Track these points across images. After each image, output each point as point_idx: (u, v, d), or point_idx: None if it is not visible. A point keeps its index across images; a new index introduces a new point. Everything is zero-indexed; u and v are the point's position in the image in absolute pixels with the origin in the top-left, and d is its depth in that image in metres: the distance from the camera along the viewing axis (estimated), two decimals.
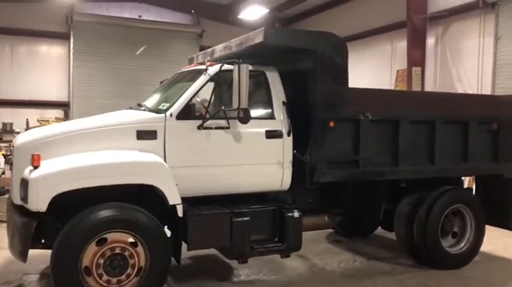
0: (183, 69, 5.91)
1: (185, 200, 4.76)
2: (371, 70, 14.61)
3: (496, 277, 5.87)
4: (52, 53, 16.96)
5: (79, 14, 16.59)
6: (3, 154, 9.49)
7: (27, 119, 15.07)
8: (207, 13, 17.79)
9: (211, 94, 4.86)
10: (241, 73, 4.58)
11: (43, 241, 4.53)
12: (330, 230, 7.73)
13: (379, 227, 7.14)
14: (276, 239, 5.19)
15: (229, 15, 16.80)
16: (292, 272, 5.88)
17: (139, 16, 17.63)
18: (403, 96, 5.90)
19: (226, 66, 4.88)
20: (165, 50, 17.29)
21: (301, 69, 5.43)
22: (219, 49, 5.85)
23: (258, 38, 4.93)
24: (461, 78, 11.76)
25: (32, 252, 4.55)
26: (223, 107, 4.84)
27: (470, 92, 11.04)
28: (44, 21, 16.28)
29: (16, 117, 15.41)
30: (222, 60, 5.17)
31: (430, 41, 12.67)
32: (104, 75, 16.69)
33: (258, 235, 5.09)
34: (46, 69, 16.70)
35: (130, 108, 5.52)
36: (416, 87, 12.38)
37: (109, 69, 16.69)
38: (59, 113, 16.56)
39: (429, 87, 12.48)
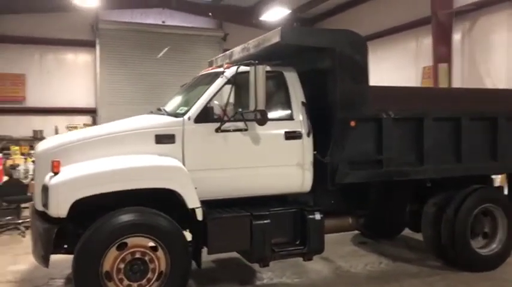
0: (202, 73, 5.90)
1: (205, 203, 4.74)
2: (396, 68, 14.36)
3: None
4: (79, 60, 17.31)
5: (104, 21, 16.90)
6: (33, 161, 9.70)
7: (55, 126, 15.43)
8: (230, 16, 17.84)
9: (228, 96, 4.82)
10: (258, 74, 4.53)
11: (65, 246, 4.60)
12: (356, 232, 7.59)
13: (406, 229, 6.97)
14: (297, 242, 5.11)
15: (251, 17, 16.79)
16: (316, 275, 5.79)
17: (163, 22, 17.80)
18: (427, 93, 5.72)
19: (242, 68, 4.84)
20: (190, 55, 17.40)
21: (321, 69, 5.34)
22: (237, 51, 5.82)
23: (275, 38, 4.87)
24: (490, 74, 11.39)
25: (57, 257, 4.64)
26: (240, 109, 4.80)
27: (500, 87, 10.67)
28: (70, 30, 16.64)
29: (46, 124, 15.81)
30: (240, 62, 5.14)
31: (456, 37, 12.32)
32: (129, 81, 16.94)
33: (279, 238, 5.01)
34: (74, 76, 17.05)
35: (151, 112, 5.54)
36: (443, 84, 12.05)
37: (134, 75, 16.92)
38: (87, 119, 16.87)
39: (456, 83, 12.13)
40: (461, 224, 5.67)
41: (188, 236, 4.75)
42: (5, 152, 11.81)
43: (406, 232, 7.17)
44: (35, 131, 15.33)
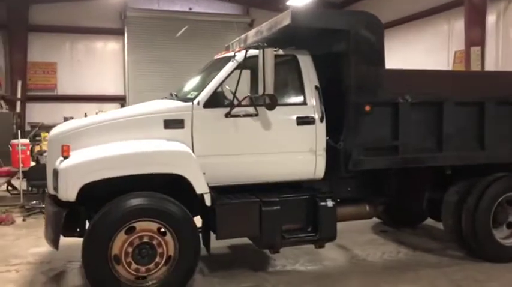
0: (216, 57, 5.84)
1: (215, 189, 4.72)
2: (427, 52, 13.92)
3: None
4: (108, 48, 17.60)
5: (132, 9, 17.09)
6: None
7: (85, 113, 15.74)
8: (256, 2, 17.70)
9: (238, 81, 4.74)
10: (266, 58, 4.43)
11: (78, 229, 4.67)
12: (377, 220, 7.44)
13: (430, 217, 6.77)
14: (309, 229, 5.02)
15: (278, 2, 16.57)
16: (330, 263, 5.69)
17: (190, 9, 17.86)
18: (448, 77, 5.46)
19: (251, 52, 4.74)
20: (216, 41, 17.28)
21: (335, 52, 5.20)
22: (251, 35, 5.72)
23: (286, 21, 4.74)
24: None
25: (76, 240, 4.70)
26: (249, 94, 4.71)
27: None
28: (99, 18, 16.94)
29: (76, 112, 16.17)
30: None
31: (491, 19, 11.81)
32: (157, 68, 17.10)
33: (289, 225, 4.94)
34: (103, 64, 17.37)
35: (165, 98, 5.54)
36: (475, 69, 11.60)
37: (162, 62, 17.06)
38: (116, 106, 17.18)
39: (490, 68, 11.66)
40: (483, 213, 5.44)
41: (198, 221, 4.75)
42: (37, 138, 12.19)
43: (429, 221, 6.96)
44: (65, 118, 15.63)
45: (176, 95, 5.24)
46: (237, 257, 5.97)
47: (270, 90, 4.47)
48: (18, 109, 15.81)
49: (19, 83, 15.96)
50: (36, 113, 16.12)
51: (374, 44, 4.97)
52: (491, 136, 5.42)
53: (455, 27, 13.02)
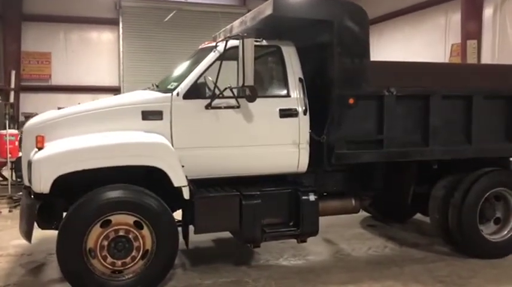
0: (201, 47, 5.72)
1: (196, 182, 4.64)
2: (425, 45, 13.76)
3: None
4: (103, 39, 17.42)
5: None
6: None
7: (79, 104, 15.62)
8: None
9: (218, 72, 4.63)
10: (246, 48, 4.32)
11: (55, 222, 4.59)
12: (366, 215, 7.37)
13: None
14: (291, 224, 4.94)
15: None
16: (315, 258, 5.62)
17: None
18: (435, 69, 5.34)
19: (232, 42, 4.63)
20: (213, 32, 17.17)
21: (320, 44, 5.09)
22: (236, 25, 5.61)
23: (268, 10, 4.63)
24: None
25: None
26: (229, 85, 4.61)
27: None
28: (94, 8, 16.76)
29: (71, 102, 15.87)
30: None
31: (488, 12, 11.64)
32: (152, 59, 16.90)
33: (271, 219, 4.86)
34: (97, 55, 17.21)
35: (148, 88, 5.43)
36: (471, 62, 11.47)
37: (157, 53, 16.87)
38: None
39: (486, 61, 11.52)
40: (470, 208, 5.35)
41: (177, 215, 4.68)
42: None
43: (419, 215, 6.88)
44: (59, 109, 15.53)
45: (157, 86, 5.14)
46: (221, 251, 5.90)
47: (250, 81, 4.37)
48: (12, 99, 15.68)
49: (13, 73, 15.82)
50: (30, 103, 15.98)
51: (358, 35, 4.86)
52: (479, 130, 5.32)
53: (453, 19, 12.86)
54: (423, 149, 5.18)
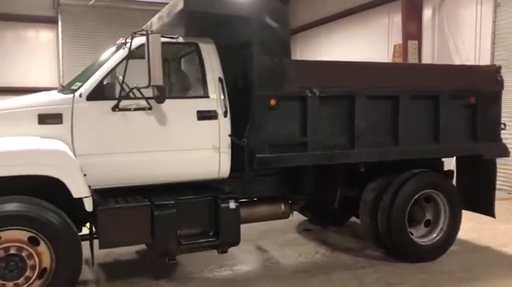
0: (117, 43, 5.31)
1: (105, 192, 4.25)
2: (370, 46, 13.80)
3: (473, 270, 5.17)
4: (40, 38, 16.56)
5: None
6: None
7: None
8: None
9: (124, 70, 4.26)
10: (152, 45, 3.97)
11: None
12: (304, 218, 7.17)
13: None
14: (211, 233, 4.61)
15: None
16: (242, 268, 5.34)
17: None
18: (360, 69, 5.17)
19: (138, 39, 4.27)
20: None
21: (240, 42, 4.80)
22: (155, 21, 5.25)
23: (179, 5, 4.29)
24: (460, 51, 10.86)
25: None
26: (136, 85, 4.24)
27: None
28: (30, 5, 15.88)
29: None
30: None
31: (427, 13, 11.77)
32: (94, 59, 16.19)
33: (188, 229, 4.51)
34: (35, 55, 16.31)
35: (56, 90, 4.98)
36: (412, 62, 11.56)
37: (99, 52, 16.16)
38: None
39: (427, 61, 11.64)
40: (398, 211, 5.21)
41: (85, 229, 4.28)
42: None
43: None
44: None
45: (63, 87, 4.70)
46: (143, 263, 5.51)
47: (157, 80, 4.02)
48: None
49: None
50: None
51: (278, 33, 4.60)
52: (406, 132, 5.18)
53: (395, 20, 12.93)
54: (349, 151, 4.98)
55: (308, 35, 16.81)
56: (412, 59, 11.71)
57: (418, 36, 11.81)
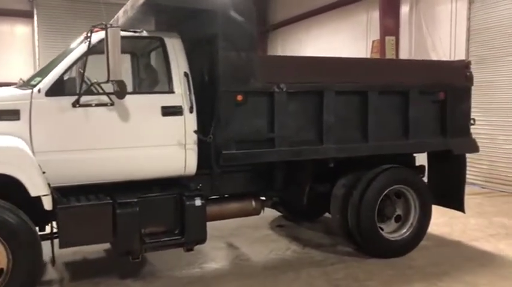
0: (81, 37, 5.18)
1: (66, 190, 4.14)
2: (349, 41, 13.85)
3: (442, 265, 5.19)
4: (15, 32, 16.21)
5: None
6: None
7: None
8: None
9: (84, 65, 4.15)
10: (111, 39, 3.87)
11: None
12: (278, 214, 7.14)
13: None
14: (176, 232, 4.53)
15: None
16: (211, 265, 5.27)
17: None
18: (327, 64, 5.13)
19: (97, 33, 4.17)
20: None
21: (205, 36, 4.72)
22: (120, 15, 5.14)
23: None
24: (436, 47, 10.94)
25: None
26: (95, 80, 4.14)
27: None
28: None
29: None
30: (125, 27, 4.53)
31: (404, 9, 11.83)
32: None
33: (153, 228, 4.43)
34: (10, 50, 15.96)
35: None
36: (390, 57, 11.60)
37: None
38: None
39: (404, 56, 11.69)
40: (368, 207, 5.19)
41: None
42: None
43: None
44: None
45: (24, 82, 4.57)
46: (110, 262, 5.41)
47: (116, 75, 3.92)
48: None
49: None
50: None
51: (244, 28, 4.53)
52: (375, 127, 5.16)
53: (373, 16, 12.96)
54: (317, 147, 4.95)
55: (288, 31, 16.78)
56: (389, 54, 11.76)
57: (395, 32, 11.86)
